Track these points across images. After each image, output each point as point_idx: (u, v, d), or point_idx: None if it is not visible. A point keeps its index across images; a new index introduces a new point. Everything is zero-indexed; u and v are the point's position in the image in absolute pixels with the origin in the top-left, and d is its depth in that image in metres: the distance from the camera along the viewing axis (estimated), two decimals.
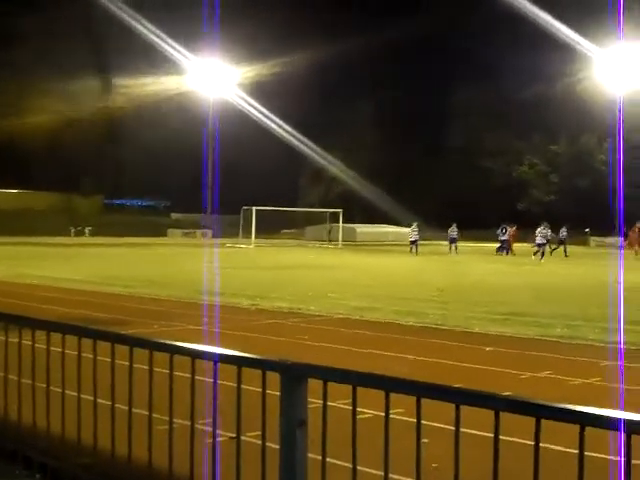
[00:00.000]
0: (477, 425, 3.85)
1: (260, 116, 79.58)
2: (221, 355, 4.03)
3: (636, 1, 68.53)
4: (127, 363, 4.55)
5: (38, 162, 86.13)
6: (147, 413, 4.48)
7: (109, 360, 4.79)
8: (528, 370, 10.93)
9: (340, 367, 3.63)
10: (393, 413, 3.51)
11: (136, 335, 5.54)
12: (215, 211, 75.41)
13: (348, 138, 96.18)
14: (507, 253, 53.25)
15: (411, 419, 3.22)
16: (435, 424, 5.53)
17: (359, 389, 3.41)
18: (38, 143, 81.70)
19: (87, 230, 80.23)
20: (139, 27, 67.98)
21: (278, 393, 3.64)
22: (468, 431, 4.38)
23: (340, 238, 69.19)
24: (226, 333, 13.61)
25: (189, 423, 4.25)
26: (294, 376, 3.53)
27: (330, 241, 72.74)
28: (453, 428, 3.13)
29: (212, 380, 4.01)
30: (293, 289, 23.18)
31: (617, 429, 2.54)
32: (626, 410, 2.67)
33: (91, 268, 30.66)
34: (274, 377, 3.66)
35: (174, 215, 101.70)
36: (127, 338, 4.78)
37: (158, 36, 68.31)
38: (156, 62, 75.20)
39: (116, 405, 4.77)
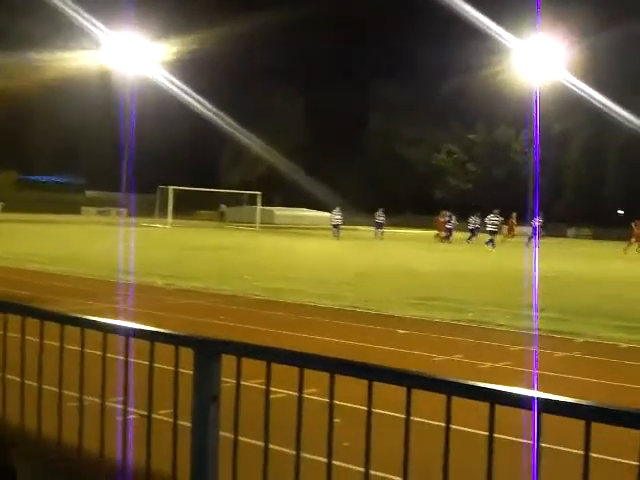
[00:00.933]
0: (389, 405, 3.87)
1: (180, 93, 78.70)
2: (134, 330, 3.98)
3: None
4: (37, 339, 4.46)
5: None
6: (57, 390, 4.41)
7: (19, 336, 4.69)
8: (440, 353, 11.06)
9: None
10: (306, 393, 3.51)
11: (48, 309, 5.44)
12: (132, 190, 74.60)
13: (269, 120, 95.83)
14: (448, 239, 53.90)
15: (324, 399, 3.22)
16: (348, 404, 5.56)
17: (274, 371, 3.40)
18: None
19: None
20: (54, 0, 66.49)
21: (191, 372, 3.61)
22: (380, 411, 4.41)
23: (258, 220, 69.02)
24: (140, 312, 13.48)
25: (100, 401, 4.19)
26: (207, 351, 3.50)
27: (222, 221, 72.38)
28: (366, 408, 3.14)
29: (124, 356, 3.96)
30: (209, 270, 23.07)
31: (526, 407, 2.58)
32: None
33: (3, 245, 30.06)
34: (188, 357, 3.62)
35: (89, 193, 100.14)
36: (39, 312, 4.69)
37: (74, 10, 66.91)
38: (72, 37, 73.74)
39: (25, 381, 4.68)
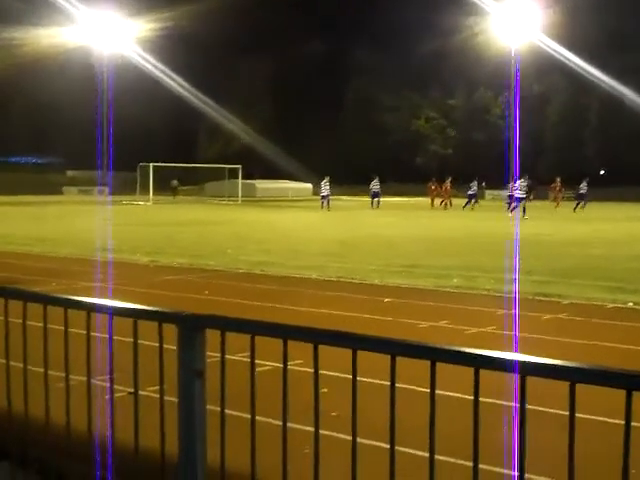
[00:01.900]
0: (376, 372, 3.88)
1: (156, 71, 78.29)
2: (117, 308, 3.97)
3: None
4: (20, 321, 4.44)
5: None
6: (43, 370, 4.39)
7: (2, 318, 4.67)
8: (426, 320, 11.10)
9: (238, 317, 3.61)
10: (292, 364, 3.51)
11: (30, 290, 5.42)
12: (111, 168, 74.24)
13: (245, 93, 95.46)
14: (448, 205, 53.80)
15: (310, 370, 3.22)
16: (335, 374, 5.58)
17: (259, 344, 3.40)
18: None
19: None
20: None
21: (176, 347, 3.60)
22: (368, 380, 4.42)
23: (240, 194, 68.88)
24: (125, 290, 13.47)
25: (86, 379, 4.19)
26: (191, 327, 3.49)
27: (174, 197, 71.99)
28: (351, 377, 3.14)
29: (108, 335, 3.95)
30: (192, 245, 23.06)
31: (510, 370, 2.58)
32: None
33: None
34: (173, 332, 3.62)
35: (69, 173, 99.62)
36: (21, 292, 4.67)
37: None
38: (46, 14, 73.04)
39: (10, 363, 4.66)
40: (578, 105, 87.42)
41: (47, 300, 4.34)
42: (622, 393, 2.48)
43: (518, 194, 43.24)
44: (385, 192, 74.77)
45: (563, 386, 2.58)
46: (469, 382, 2.80)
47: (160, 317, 3.68)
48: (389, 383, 2.99)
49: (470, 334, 10.19)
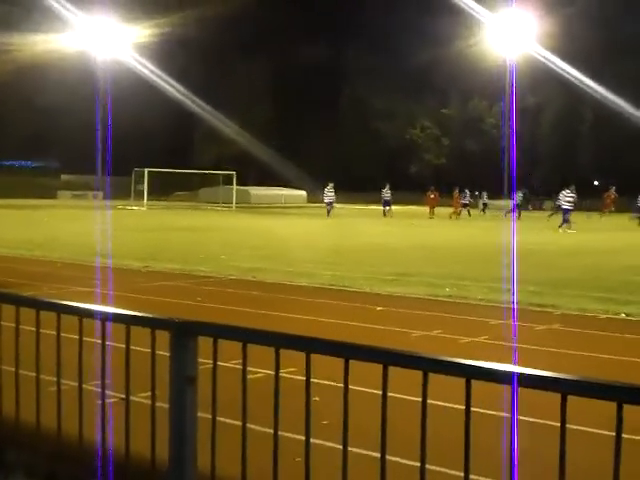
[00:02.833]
0: (368, 382, 3.88)
1: (152, 76, 78.27)
2: (110, 314, 3.97)
3: None
4: (13, 325, 4.44)
5: None
6: (35, 374, 4.39)
7: None
8: (419, 329, 11.09)
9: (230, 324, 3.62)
10: (284, 372, 3.51)
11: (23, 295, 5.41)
12: (107, 172, 74.16)
13: (242, 98, 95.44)
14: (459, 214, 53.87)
15: (302, 377, 3.22)
16: (326, 382, 5.58)
17: (251, 351, 3.40)
18: None
19: None
20: None
21: (169, 354, 3.61)
22: (359, 388, 4.42)
23: (234, 200, 68.86)
24: (117, 295, 13.43)
25: (78, 384, 4.18)
26: (183, 333, 3.50)
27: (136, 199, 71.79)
28: (343, 385, 3.14)
29: (101, 340, 3.95)
30: (185, 251, 23.03)
31: (502, 381, 2.59)
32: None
33: None
34: (165, 339, 3.62)
35: (64, 177, 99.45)
36: (14, 298, 4.66)
37: None
38: (44, 20, 73.07)
39: (3, 367, 4.66)
40: (572, 115, 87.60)
41: (40, 305, 4.34)
42: (613, 405, 2.48)
43: (565, 205, 40.01)
44: (379, 200, 74.87)
45: (555, 397, 2.58)
46: (462, 392, 2.80)
47: (152, 323, 3.68)
48: (381, 392, 2.99)
49: (463, 344, 10.19)
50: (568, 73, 76.30)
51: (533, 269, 18.84)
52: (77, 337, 4.10)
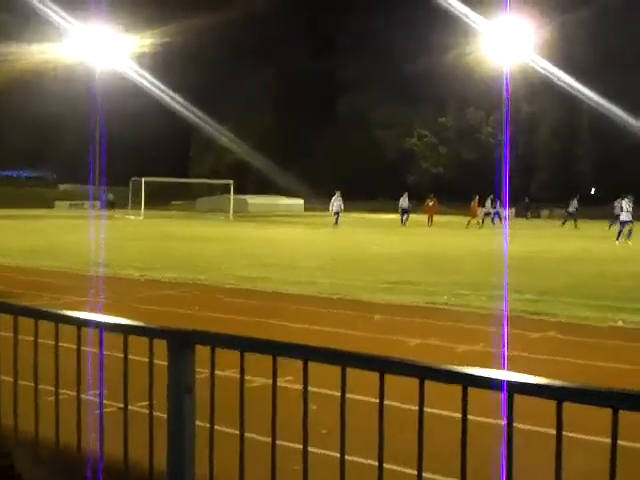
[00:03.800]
0: (365, 390, 3.89)
1: (149, 85, 78.38)
2: (107, 323, 3.98)
3: None
4: (11, 334, 4.45)
5: None
6: (33, 384, 4.40)
7: None
8: (416, 337, 11.10)
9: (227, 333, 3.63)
10: (282, 381, 3.52)
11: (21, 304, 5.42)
12: (104, 182, 74.18)
13: (239, 109, 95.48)
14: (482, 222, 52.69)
15: (300, 386, 3.23)
16: (324, 390, 5.58)
17: (249, 360, 3.41)
18: None
19: None
20: None
21: (166, 363, 3.62)
22: (356, 397, 4.43)
23: (231, 209, 68.81)
24: (115, 304, 13.45)
25: (76, 394, 4.19)
26: (181, 343, 3.51)
27: (114, 210, 71.69)
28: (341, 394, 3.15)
29: (98, 350, 3.96)
30: (182, 260, 23.04)
31: (498, 389, 2.60)
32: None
33: None
34: (163, 348, 3.63)
35: (62, 186, 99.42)
36: (11, 307, 4.67)
37: (42, 2, 66.31)
38: (40, 30, 73.10)
39: (1, 377, 4.67)
40: (569, 124, 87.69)
41: (38, 315, 4.35)
42: (608, 412, 2.50)
43: (624, 217, 37.70)
44: (379, 209, 74.88)
45: (551, 404, 2.60)
46: (459, 400, 2.81)
47: (150, 333, 3.69)
48: (378, 400, 3.01)
49: (459, 352, 10.20)
50: (565, 82, 76.45)
51: (530, 277, 18.88)
52: (75, 346, 4.11)
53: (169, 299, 15.09)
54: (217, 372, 3.52)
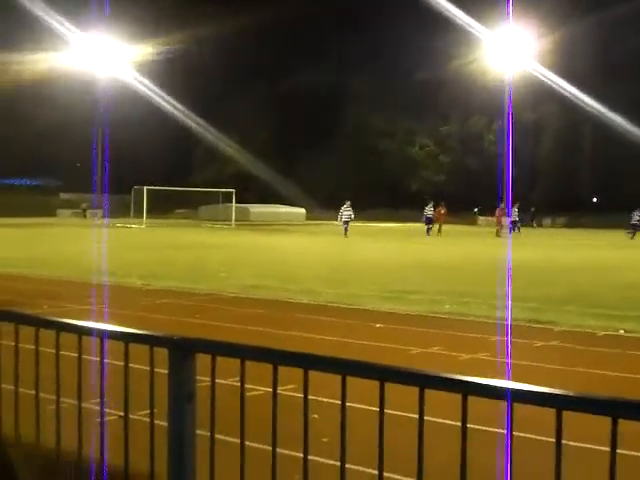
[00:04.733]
0: (365, 398, 3.89)
1: (153, 95, 78.53)
2: (108, 331, 3.98)
3: None
4: (12, 343, 4.45)
5: None
6: (34, 392, 4.40)
7: None
8: (418, 346, 11.10)
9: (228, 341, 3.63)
10: (284, 389, 3.52)
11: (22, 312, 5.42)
12: (106, 191, 74.25)
13: (242, 118, 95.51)
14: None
15: (302, 395, 3.23)
16: (326, 399, 5.58)
17: (251, 368, 3.42)
18: None
19: None
20: (26, 3, 65.97)
21: (167, 371, 3.62)
22: (357, 405, 4.44)
23: (233, 218, 68.88)
24: (117, 313, 13.44)
25: (78, 403, 4.20)
26: (181, 351, 3.51)
27: (85, 217, 71.51)
28: (345, 403, 3.15)
29: (100, 358, 3.96)
30: (185, 268, 23.05)
31: (499, 397, 2.60)
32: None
33: None
34: (164, 356, 3.63)
35: (63, 195, 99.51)
36: (11, 315, 4.67)
37: (44, 11, 66.45)
38: (44, 38, 73.23)
39: (2, 385, 4.67)
40: (572, 133, 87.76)
41: (39, 323, 4.35)
42: (608, 420, 2.50)
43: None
44: (378, 217, 74.91)
45: (552, 413, 2.60)
46: (458, 408, 2.82)
47: (151, 341, 3.69)
48: (378, 409, 3.01)
49: (462, 360, 10.20)
50: (567, 91, 76.59)
51: (532, 286, 18.86)
52: (76, 355, 4.12)
53: (171, 307, 15.09)
54: (219, 380, 3.52)
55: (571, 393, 2.50)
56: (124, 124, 79.05)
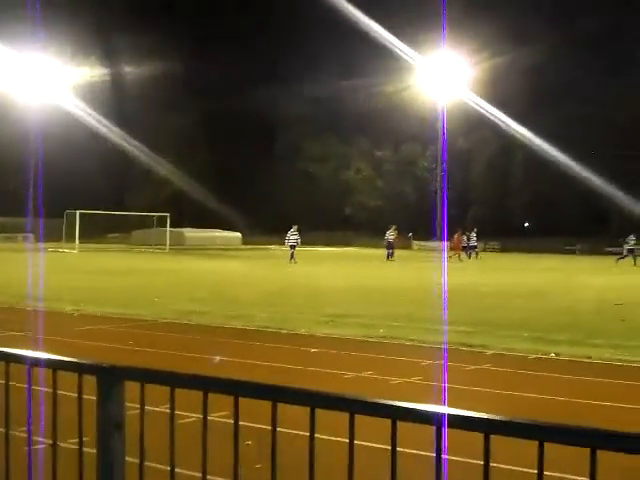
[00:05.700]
0: (297, 424, 3.89)
1: (86, 117, 77.86)
2: (35, 358, 3.93)
3: (458, 10, 70.61)
4: None
5: None
6: None
7: None
8: (351, 370, 11.13)
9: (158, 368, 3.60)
10: (216, 416, 3.50)
11: None
12: (40, 215, 73.30)
13: (176, 142, 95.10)
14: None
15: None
16: (259, 425, 5.56)
17: (183, 395, 3.39)
18: None
19: None
20: None
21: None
22: (289, 431, 4.43)
23: (167, 242, 68.42)
24: (48, 339, 13.25)
25: (4, 430, 4.13)
26: (110, 378, 3.47)
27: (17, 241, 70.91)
28: (279, 429, 3.15)
29: (27, 385, 3.91)
30: (118, 294, 22.82)
31: (428, 422, 2.62)
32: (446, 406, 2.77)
33: None
34: (93, 383, 3.60)
35: None
36: None
37: None
38: None
39: None
40: (503, 159, 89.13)
41: None
42: (535, 444, 2.53)
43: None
44: (317, 242, 75.00)
45: (480, 437, 2.62)
46: (384, 431, 2.83)
47: (79, 368, 3.65)
48: (309, 434, 3.00)
49: (394, 384, 10.24)
50: (499, 119, 77.79)
51: (465, 309, 19.05)
52: (3, 382, 4.05)
53: (103, 334, 14.92)
54: (150, 408, 3.50)
55: (497, 417, 2.53)
56: (58, 147, 78.12)
